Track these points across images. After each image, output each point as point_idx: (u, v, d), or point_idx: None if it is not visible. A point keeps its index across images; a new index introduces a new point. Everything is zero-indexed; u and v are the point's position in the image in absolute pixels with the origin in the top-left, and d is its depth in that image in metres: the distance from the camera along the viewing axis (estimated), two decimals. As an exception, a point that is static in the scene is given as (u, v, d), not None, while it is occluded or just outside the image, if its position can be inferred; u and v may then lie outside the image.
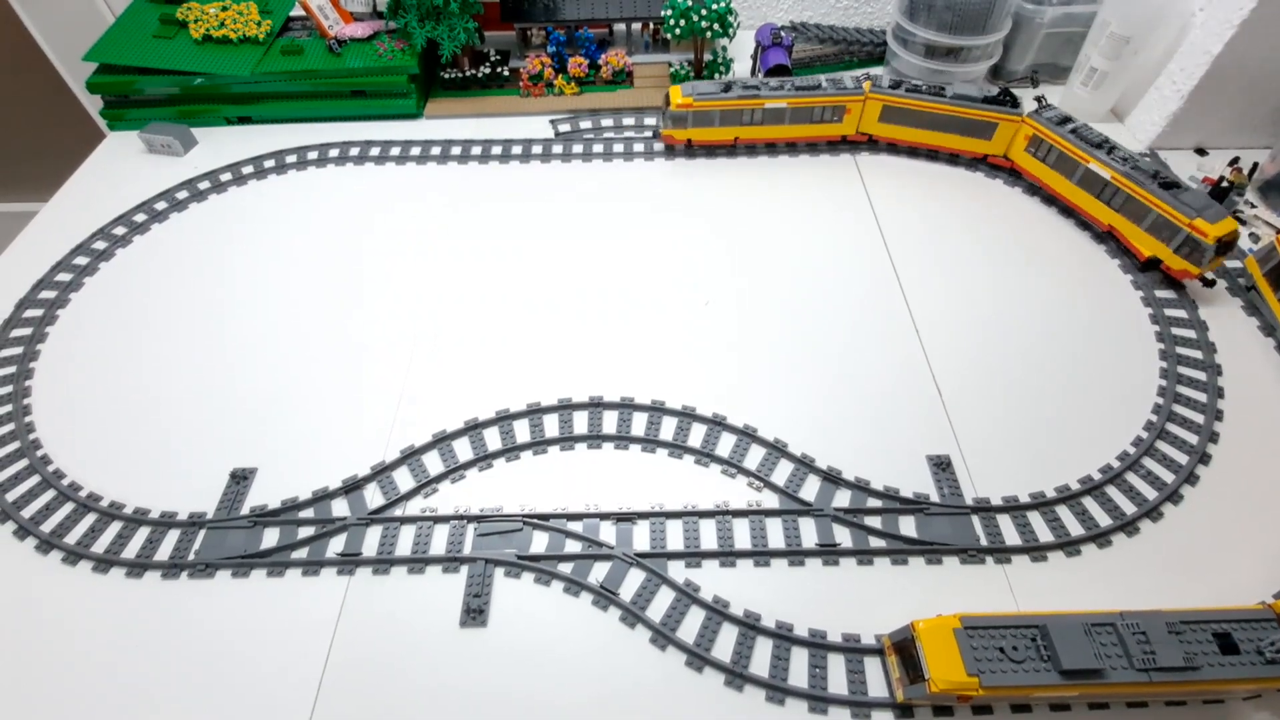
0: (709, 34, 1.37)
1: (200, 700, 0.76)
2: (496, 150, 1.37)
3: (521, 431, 0.96)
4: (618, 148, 1.37)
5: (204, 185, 1.32)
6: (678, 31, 1.37)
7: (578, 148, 1.37)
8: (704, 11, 1.35)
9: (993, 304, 1.10)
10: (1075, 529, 0.86)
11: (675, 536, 0.87)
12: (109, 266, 1.20)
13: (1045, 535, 0.86)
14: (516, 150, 1.37)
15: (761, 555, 0.85)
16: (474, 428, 0.97)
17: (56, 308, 1.13)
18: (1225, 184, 1.21)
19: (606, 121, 1.43)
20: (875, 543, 0.86)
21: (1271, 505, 0.88)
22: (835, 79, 1.26)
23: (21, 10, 1.71)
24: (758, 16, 1.63)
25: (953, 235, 1.20)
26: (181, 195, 1.30)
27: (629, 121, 1.42)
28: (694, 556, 0.85)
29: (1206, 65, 1.19)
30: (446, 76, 1.47)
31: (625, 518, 0.88)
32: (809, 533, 0.87)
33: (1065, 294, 1.11)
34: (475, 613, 0.80)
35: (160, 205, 1.29)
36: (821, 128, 1.29)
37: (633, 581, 0.83)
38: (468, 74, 1.47)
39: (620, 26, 1.57)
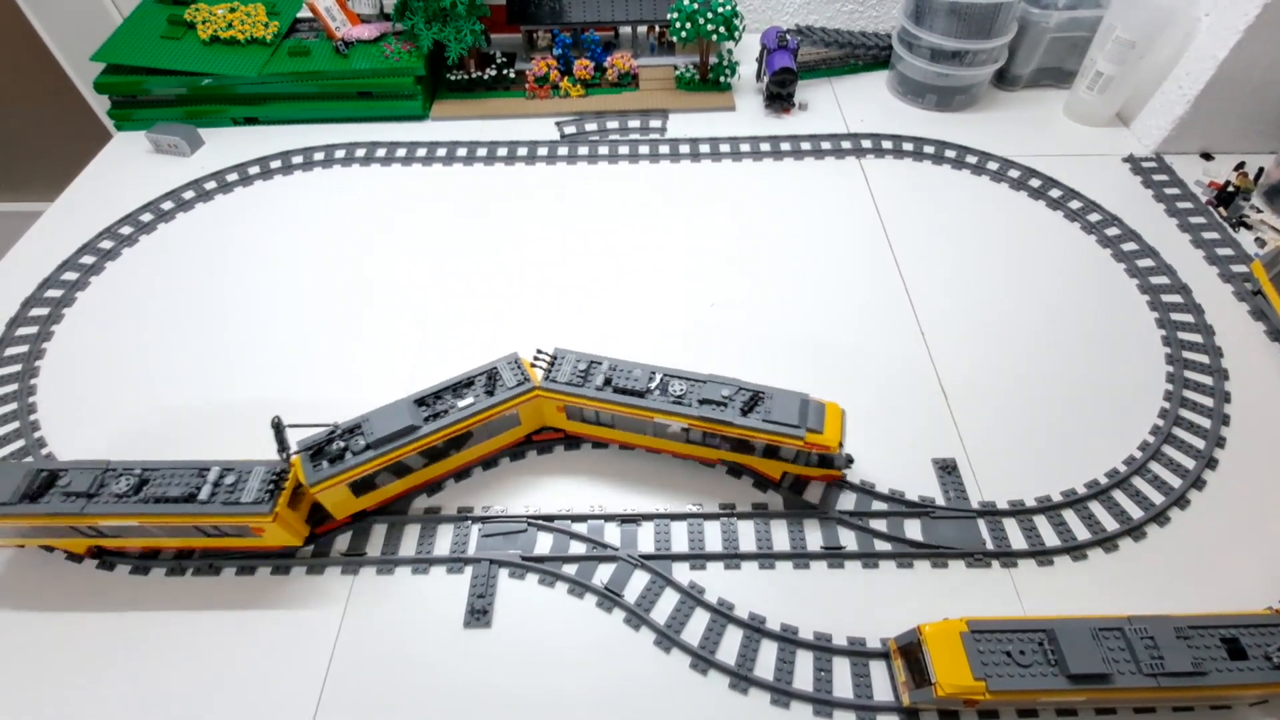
0: (715, 37, 1.37)
1: (204, 698, 0.76)
2: (502, 152, 1.37)
3: (526, 432, 0.96)
4: (623, 150, 1.37)
5: (210, 186, 1.32)
6: (684, 34, 1.38)
7: (583, 150, 1.37)
8: (710, 15, 1.35)
9: (998, 307, 1.10)
10: (1081, 533, 0.86)
11: (680, 538, 0.86)
12: (115, 266, 1.20)
13: (1051, 539, 0.85)
14: (522, 152, 1.37)
15: (767, 558, 0.85)
16: (479, 428, 0.97)
17: (62, 307, 1.13)
18: (1231, 188, 1.21)
19: (612, 124, 1.43)
20: (880, 546, 0.85)
21: (1278, 510, 0.88)
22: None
23: (29, 11, 1.72)
24: (763, 20, 1.63)
25: (958, 238, 1.20)
26: (188, 196, 1.31)
27: (634, 124, 1.43)
28: (699, 558, 0.85)
29: (1212, 70, 1.19)
30: (453, 78, 1.47)
31: (630, 519, 0.88)
32: (814, 535, 0.86)
33: (1071, 297, 1.11)
34: (479, 613, 0.80)
35: (167, 205, 1.29)
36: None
37: (637, 583, 0.83)
38: (474, 76, 1.47)
39: (626, 29, 1.57)
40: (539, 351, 0.88)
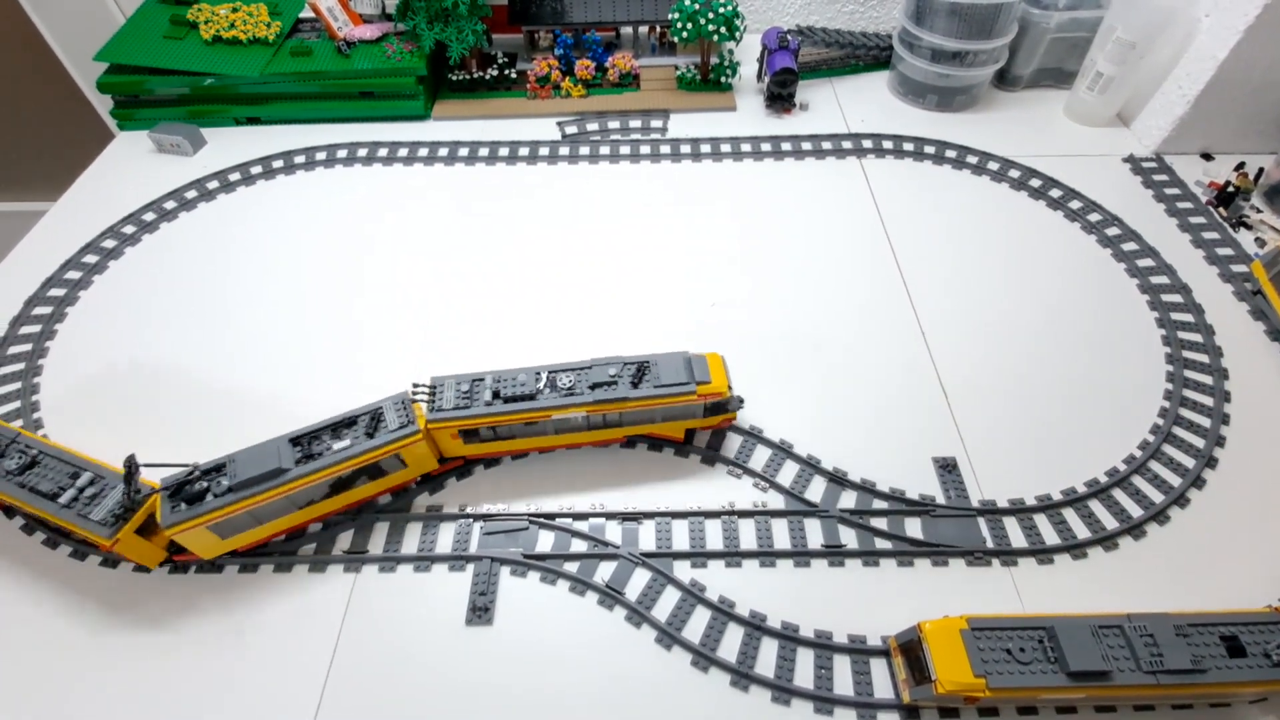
0: (716, 37, 1.38)
1: (207, 695, 0.76)
2: (503, 152, 1.38)
3: (528, 431, 0.97)
4: (624, 150, 1.37)
5: (213, 185, 1.33)
6: (685, 35, 1.38)
7: (584, 150, 1.37)
8: (711, 15, 1.35)
9: (999, 306, 1.10)
10: (1082, 532, 0.86)
11: (681, 536, 0.87)
12: (118, 265, 1.20)
13: (1051, 538, 0.86)
14: (523, 152, 1.37)
15: (767, 556, 0.85)
16: (480, 427, 0.97)
17: (65, 305, 1.14)
18: (1231, 188, 1.21)
19: (613, 124, 1.43)
20: (881, 544, 0.86)
21: (1278, 509, 0.88)
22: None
23: (32, 11, 1.72)
24: (764, 20, 1.64)
25: (958, 237, 1.20)
26: (190, 195, 1.31)
27: (635, 124, 1.43)
28: (700, 556, 0.85)
29: (1213, 70, 1.19)
30: (454, 78, 1.48)
31: (631, 517, 0.88)
32: (815, 534, 0.87)
33: (1071, 296, 1.11)
34: (481, 611, 0.81)
35: (169, 205, 1.29)
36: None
37: (638, 581, 0.83)
38: (475, 76, 1.48)
39: (627, 29, 1.58)
40: (415, 385, 0.86)
